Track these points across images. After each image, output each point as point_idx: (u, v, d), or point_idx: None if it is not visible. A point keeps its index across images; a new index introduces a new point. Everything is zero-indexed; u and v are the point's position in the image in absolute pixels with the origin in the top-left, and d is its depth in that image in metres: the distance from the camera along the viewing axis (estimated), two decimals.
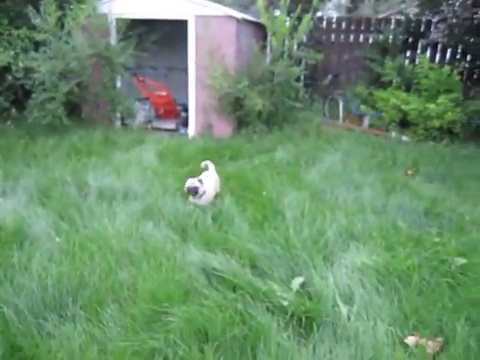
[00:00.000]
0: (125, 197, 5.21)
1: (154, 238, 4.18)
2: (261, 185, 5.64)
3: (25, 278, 3.34)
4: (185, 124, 9.36)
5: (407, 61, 10.81)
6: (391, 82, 10.12)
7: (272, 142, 8.05)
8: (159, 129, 9.49)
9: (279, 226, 4.41)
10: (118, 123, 9.29)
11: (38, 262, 3.59)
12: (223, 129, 8.73)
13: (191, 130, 9.08)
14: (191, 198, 4.90)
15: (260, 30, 9.54)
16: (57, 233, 4.14)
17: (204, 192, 4.85)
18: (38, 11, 7.71)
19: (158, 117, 9.94)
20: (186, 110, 9.50)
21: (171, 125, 9.64)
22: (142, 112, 9.63)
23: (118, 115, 9.23)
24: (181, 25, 8.62)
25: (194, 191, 4.80)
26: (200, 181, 4.87)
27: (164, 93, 9.53)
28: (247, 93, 8.25)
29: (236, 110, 8.58)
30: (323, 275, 3.63)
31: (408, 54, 11.06)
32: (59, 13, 7.76)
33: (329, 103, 10.72)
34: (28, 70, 7.88)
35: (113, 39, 8.74)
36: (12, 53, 7.35)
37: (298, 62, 9.63)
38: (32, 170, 5.88)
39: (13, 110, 9.05)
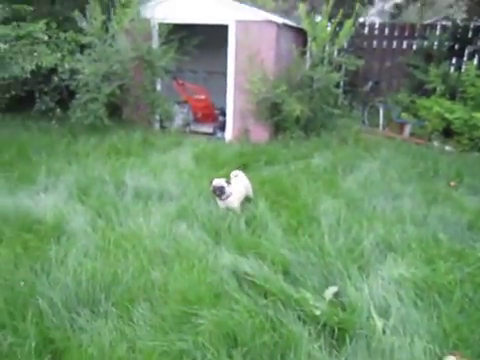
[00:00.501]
0: (160, 198, 5.27)
1: (187, 239, 4.19)
2: (297, 191, 5.56)
3: (61, 272, 3.42)
4: (222, 128, 9.41)
5: (452, 68, 10.42)
6: (435, 90, 9.78)
7: (309, 148, 7.93)
8: (196, 132, 9.59)
9: (314, 233, 4.32)
10: (157, 125, 9.45)
11: (74, 257, 3.68)
12: (260, 134, 8.70)
13: (228, 134, 9.11)
14: (218, 200, 4.84)
15: (300, 36, 9.47)
16: (94, 230, 4.22)
17: (231, 194, 4.78)
18: (84, 15, 7.98)
19: (196, 121, 10.04)
20: (224, 114, 9.54)
21: (208, 129, 9.71)
22: (180, 115, 9.76)
23: (157, 117, 9.40)
24: (222, 30, 8.69)
25: (220, 191, 4.73)
26: (227, 182, 4.84)
27: (202, 97, 9.61)
28: (285, 98, 8.19)
29: (273, 115, 8.54)
30: (358, 286, 3.51)
31: (454, 61, 10.66)
32: (104, 17, 8.00)
33: (369, 110, 10.48)
34: (73, 71, 8.17)
35: (155, 43, 8.93)
36: (59, 55, 7.62)
37: (338, 68, 9.48)
38: (73, 167, 6.06)
39: (58, 110, 9.42)
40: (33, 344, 2.74)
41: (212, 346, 2.75)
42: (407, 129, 9.52)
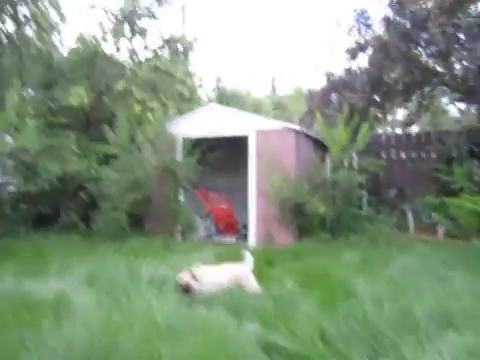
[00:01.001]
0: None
1: (204, 316, 3.60)
2: (328, 275, 4.98)
3: (52, 339, 2.86)
4: (244, 239, 9.11)
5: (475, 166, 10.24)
6: (461, 189, 9.49)
7: (338, 247, 7.42)
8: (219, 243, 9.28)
9: (353, 306, 3.67)
10: (179, 236, 9.22)
11: (71, 329, 3.13)
12: (284, 238, 8.32)
13: (252, 241, 8.76)
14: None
15: (318, 145, 9.74)
16: (98, 307, 3.71)
17: (201, 288, 4.30)
18: (111, 127, 8.53)
19: (218, 232, 9.83)
20: (245, 227, 9.36)
21: (231, 240, 9.42)
22: (203, 227, 9.60)
23: (179, 228, 9.23)
24: (241, 146, 9.03)
25: (186, 291, 4.33)
26: (193, 276, 4.36)
27: (225, 206, 9.56)
28: (308, 198, 8.02)
29: (297, 217, 8.27)
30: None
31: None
32: (130, 130, 8.51)
33: (396, 215, 10.10)
34: (97, 181, 8.38)
35: (178, 155, 9.27)
36: (85, 163, 7.92)
37: (360, 171, 9.47)
38: (87, 262, 5.71)
39: (82, 224, 9.41)
40: None
41: None
42: (441, 230, 8.98)
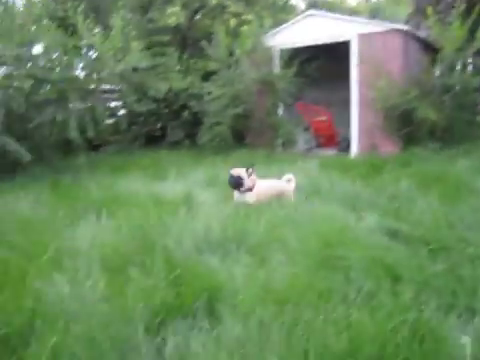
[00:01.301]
0: None
1: (323, 210, 3.74)
2: (445, 177, 4.77)
3: (191, 223, 3.22)
4: (346, 151, 8.95)
5: None
6: None
7: (450, 156, 6.96)
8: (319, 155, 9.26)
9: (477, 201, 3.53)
10: (279, 149, 9.37)
11: (203, 217, 3.48)
12: (389, 148, 8.01)
13: (354, 151, 8.59)
14: (236, 193, 4.16)
15: (428, 47, 8.85)
16: (221, 202, 4.05)
17: (249, 188, 4.11)
18: (209, 44, 8.59)
19: (318, 145, 9.78)
20: (345, 140, 9.16)
21: (331, 152, 9.33)
22: (303, 140, 9.60)
23: (279, 141, 9.34)
24: (342, 49, 8.54)
25: (236, 182, 4.07)
26: (248, 173, 4.14)
27: (325, 118, 9.37)
28: (417, 105, 7.50)
29: (404, 126, 7.84)
30: None
31: None
32: (228, 43, 8.48)
33: None
34: (200, 99, 8.68)
35: (276, 67, 9.11)
36: (189, 80, 8.18)
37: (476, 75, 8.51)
38: (200, 170, 6.15)
39: (186, 141, 10.00)
40: (161, 275, 2.50)
41: (369, 279, 2.21)
42: None
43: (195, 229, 3.09)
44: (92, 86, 7.91)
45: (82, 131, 7.27)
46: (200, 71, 8.88)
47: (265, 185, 4.30)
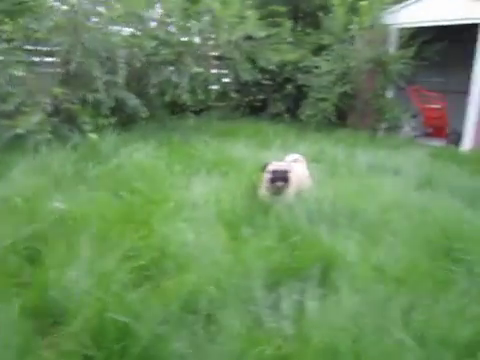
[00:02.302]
0: (396, 173, 4.79)
1: (432, 199, 3.59)
2: None
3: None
4: (456, 144, 8.32)
5: None
6: None
7: None
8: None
9: None
10: (381, 134, 8.99)
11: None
12: None
13: (466, 145, 7.96)
14: (265, 189, 3.32)
15: None
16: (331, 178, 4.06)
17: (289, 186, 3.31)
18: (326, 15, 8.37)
19: (425, 135, 9.20)
20: (456, 133, 8.49)
21: (439, 143, 8.72)
22: (409, 126, 9.09)
23: (383, 126, 8.95)
24: (469, 34, 7.81)
25: (284, 178, 3.23)
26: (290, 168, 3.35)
27: (438, 106, 8.74)
28: None
29: None
30: None
31: None
32: (345, 17, 8.20)
33: None
34: (307, 72, 8.57)
35: (392, 47, 8.64)
36: (301, 52, 8.09)
37: None
38: (304, 144, 6.14)
39: (286, 115, 9.98)
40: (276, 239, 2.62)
41: None
42: None
43: (307, 200, 3.15)
44: (207, 52, 8.17)
45: (192, 94, 7.59)
46: (312, 44, 8.72)
47: (297, 177, 3.45)
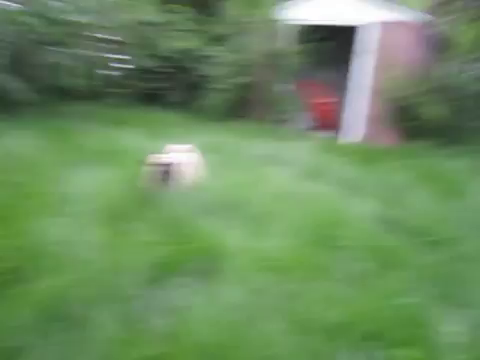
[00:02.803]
0: (287, 164, 4.97)
1: (319, 190, 3.78)
2: (440, 175, 4.84)
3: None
4: (344, 136, 8.96)
5: None
6: None
7: (447, 154, 6.95)
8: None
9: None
10: (275, 126, 9.27)
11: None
12: (387, 140, 8.01)
13: (351, 138, 8.59)
14: (152, 183, 3.15)
15: (442, 42, 8.77)
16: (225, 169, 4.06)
17: (176, 176, 3.19)
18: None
19: (317, 127, 9.74)
20: (345, 125, 9.17)
21: (329, 135, 9.30)
22: (301, 119, 9.54)
23: (275, 118, 9.24)
24: (356, 32, 8.43)
25: (164, 172, 3.10)
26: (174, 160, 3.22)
27: (328, 100, 9.30)
28: (423, 100, 7.48)
29: (407, 119, 7.82)
30: None
31: None
32: (244, 10, 8.29)
33: None
34: (205, 62, 8.54)
35: (286, 42, 8.95)
36: (197, 42, 8.00)
37: None
38: (202, 135, 6.04)
39: (185, 104, 9.81)
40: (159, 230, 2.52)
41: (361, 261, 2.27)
42: None
43: (195, 192, 3.10)
44: (100, 34, 7.68)
45: (83, 78, 7.09)
46: (211, 33, 8.67)
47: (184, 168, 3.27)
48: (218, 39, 8.70)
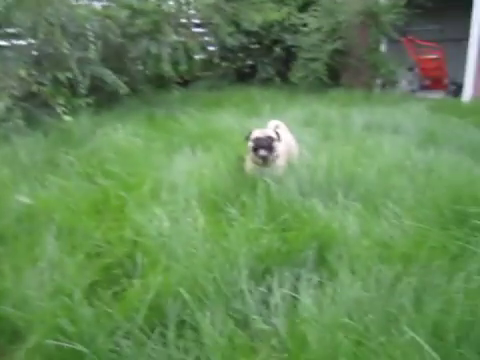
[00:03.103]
0: (395, 131, 4.44)
1: (441, 159, 3.26)
2: None
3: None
4: (455, 96, 7.92)
5: None
6: None
7: None
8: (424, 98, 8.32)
9: None
10: (378, 90, 8.56)
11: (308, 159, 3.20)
12: None
13: (466, 95, 7.56)
14: (252, 162, 2.91)
15: None
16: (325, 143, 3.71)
17: (278, 155, 2.88)
18: None
19: (424, 88, 8.77)
20: (456, 84, 8.10)
21: (438, 95, 8.31)
22: (406, 80, 8.66)
23: (379, 82, 8.53)
24: None
25: (268, 147, 2.79)
26: (276, 135, 2.88)
27: (435, 56, 8.28)
28: None
29: None
30: None
31: None
32: None
33: None
34: (294, 32, 8.07)
35: None
36: (286, 10, 7.58)
37: None
38: (295, 108, 5.75)
39: (277, 79, 9.51)
40: (264, 218, 2.30)
41: None
42: None
43: (298, 170, 2.82)
44: (184, 19, 7.66)
45: (174, 65, 7.14)
46: (297, 1, 8.16)
47: (283, 148, 3.01)
48: (306, 4, 8.16)
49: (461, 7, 7.57)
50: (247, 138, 2.91)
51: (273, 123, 3.38)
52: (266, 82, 9.42)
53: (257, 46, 9.59)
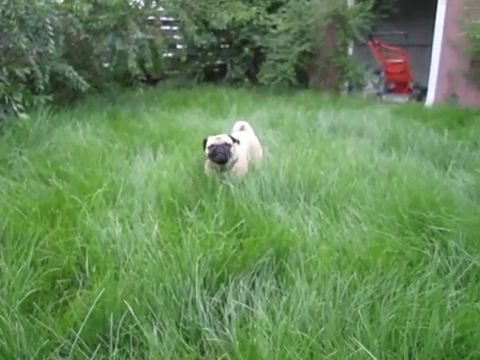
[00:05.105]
0: (360, 134, 4.46)
1: (402, 162, 3.28)
2: None
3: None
4: (418, 100, 8.11)
5: None
6: None
7: None
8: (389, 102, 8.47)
9: None
10: (345, 93, 8.66)
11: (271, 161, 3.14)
12: (471, 100, 7.08)
13: (429, 100, 7.73)
14: (210, 167, 2.88)
15: None
16: (287, 144, 3.67)
17: (237, 158, 2.86)
18: None
19: (389, 91, 8.92)
20: (419, 87, 8.30)
21: (403, 99, 8.47)
22: (371, 83, 8.78)
23: (346, 84, 8.62)
24: None
25: (224, 154, 2.74)
26: (233, 139, 2.86)
27: (400, 60, 8.44)
28: None
29: None
30: None
31: None
32: None
33: None
34: (263, 33, 8.05)
35: (351, 1, 8.20)
36: (254, 9, 7.52)
37: None
38: (262, 109, 5.71)
39: (246, 79, 9.47)
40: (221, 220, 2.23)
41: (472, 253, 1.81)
42: None
43: (259, 173, 2.76)
44: (151, 16, 7.51)
45: (141, 63, 6.97)
46: (266, 1, 8.13)
47: (245, 148, 3.01)
48: (276, 6, 8.15)
49: (426, 14, 7.75)
50: (204, 144, 2.84)
51: (239, 124, 3.34)
52: (235, 82, 9.37)
53: (227, 46, 9.54)
